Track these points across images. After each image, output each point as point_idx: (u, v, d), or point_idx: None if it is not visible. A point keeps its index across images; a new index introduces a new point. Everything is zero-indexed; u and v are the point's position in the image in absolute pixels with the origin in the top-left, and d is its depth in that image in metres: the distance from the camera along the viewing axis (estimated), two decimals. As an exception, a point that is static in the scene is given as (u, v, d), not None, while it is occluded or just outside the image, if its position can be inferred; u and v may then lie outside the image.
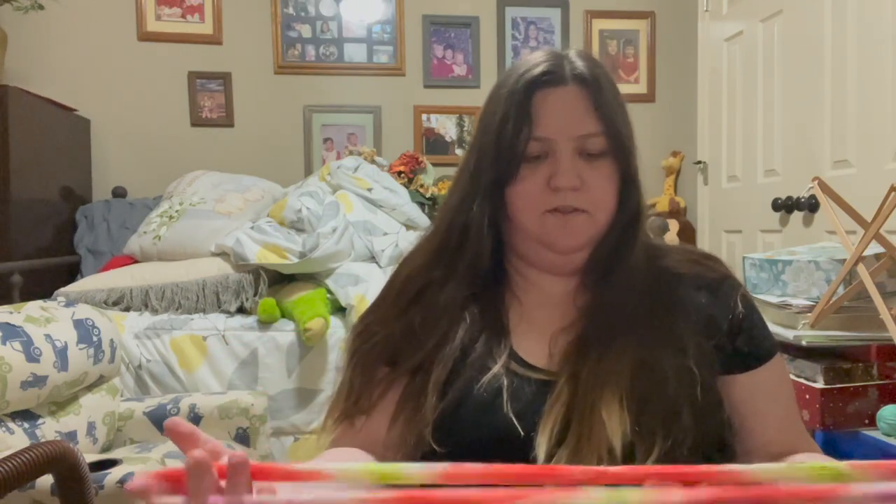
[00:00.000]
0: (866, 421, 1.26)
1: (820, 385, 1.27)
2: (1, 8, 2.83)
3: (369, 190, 2.79)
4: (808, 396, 1.29)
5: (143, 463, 1.37)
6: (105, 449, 1.81)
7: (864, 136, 2.05)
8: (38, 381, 1.57)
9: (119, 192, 3.17)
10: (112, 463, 1.37)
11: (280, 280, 2.53)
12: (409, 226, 2.82)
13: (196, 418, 1.86)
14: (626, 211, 0.79)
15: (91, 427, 1.76)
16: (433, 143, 3.47)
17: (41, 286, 2.48)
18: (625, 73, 3.56)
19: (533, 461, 0.67)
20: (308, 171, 3.35)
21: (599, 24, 3.57)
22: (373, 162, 3.05)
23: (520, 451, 0.68)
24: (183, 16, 3.28)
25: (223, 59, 3.31)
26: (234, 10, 3.31)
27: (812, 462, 0.43)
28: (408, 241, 2.61)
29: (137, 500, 0.45)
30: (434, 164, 3.25)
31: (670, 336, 0.75)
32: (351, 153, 3.17)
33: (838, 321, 1.32)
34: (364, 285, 2.38)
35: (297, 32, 3.37)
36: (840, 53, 2.14)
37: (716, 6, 2.99)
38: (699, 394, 0.71)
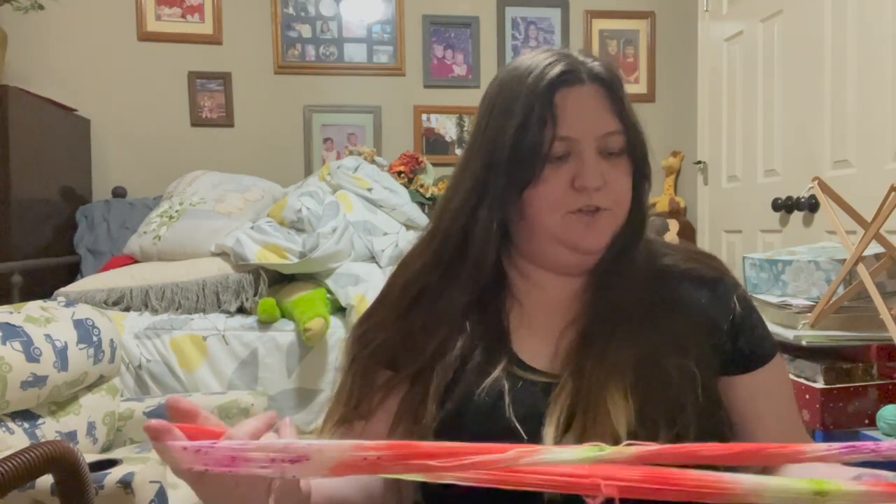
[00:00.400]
0: (866, 421, 1.26)
1: (820, 385, 1.27)
2: (1, 8, 2.83)
3: (369, 190, 2.79)
4: (808, 396, 1.29)
5: (143, 463, 1.37)
6: (105, 449, 1.81)
7: (864, 136, 2.05)
8: (38, 381, 1.57)
9: (119, 192, 3.17)
10: (112, 463, 1.37)
11: (280, 280, 2.53)
12: (409, 226, 2.82)
13: (196, 418, 1.86)
14: (640, 210, 0.79)
15: (91, 427, 1.76)
16: (433, 143, 3.47)
17: (41, 286, 2.48)
18: (625, 73, 3.55)
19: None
20: (308, 171, 3.35)
21: (599, 24, 3.57)
22: (373, 162, 3.05)
23: None
24: (183, 16, 3.28)
25: (223, 59, 3.31)
26: (234, 10, 3.31)
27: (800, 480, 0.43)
28: (408, 241, 2.61)
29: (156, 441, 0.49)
30: (434, 164, 3.25)
31: (672, 335, 0.74)
32: (351, 153, 3.17)
33: (838, 321, 1.32)
34: (364, 285, 2.38)
35: (297, 32, 3.37)
36: (840, 53, 2.14)
37: (716, 6, 2.99)
38: (700, 394, 0.71)
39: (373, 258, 2.63)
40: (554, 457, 0.42)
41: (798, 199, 2.31)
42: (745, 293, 0.82)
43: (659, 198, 3.40)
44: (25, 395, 1.55)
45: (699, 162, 3.11)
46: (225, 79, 3.31)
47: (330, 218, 2.50)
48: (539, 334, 0.79)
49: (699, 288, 0.80)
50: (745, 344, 0.79)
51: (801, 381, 1.31)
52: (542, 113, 0.74)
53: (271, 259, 2.37)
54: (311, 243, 2.37)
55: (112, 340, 1.85)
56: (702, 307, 0.78)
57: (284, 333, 2.30)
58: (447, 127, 3.48)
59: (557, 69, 0.75)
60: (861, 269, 1.26)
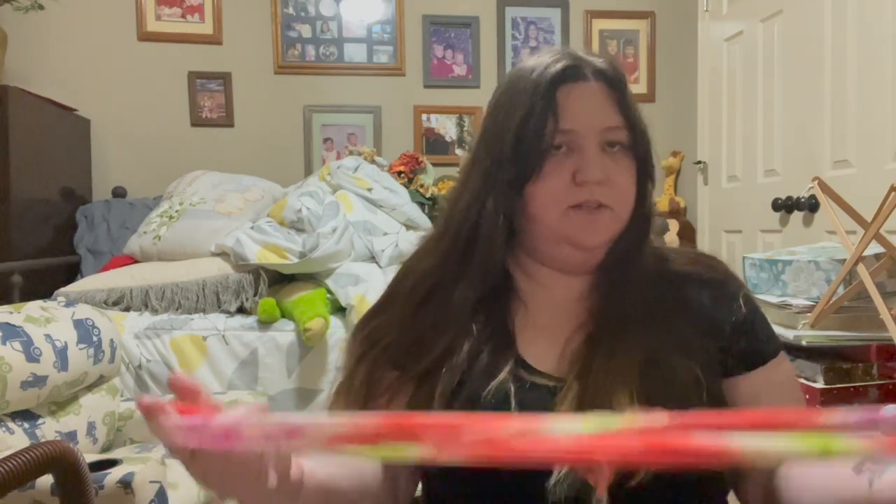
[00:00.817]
0: (866, 421, 1.26)
1: (820, 385, 1.27)
2: (1, 8, 2.83)
3: (369, 190, 2.79)
4: (808, 396, 1.29)
5: (143, 463, 1.37)
6: (105, 449, 1.81)
7: (864, 136, 2.05)
8: (38, 381, 1.57)
9: (119, 192, 3.17)
10: (112, 463, 1.37)
11: (280, 280, 2.53)
12: (409, 226, 2.82)
13: (196, 418, 1.86)
14: (644, 208, 0.79)
15: (91, 427, 1.76)
16: (433, 143, 3.47)
17: (41, 286, 2.48)
18: (625, 73, 3.55)
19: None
20: (308, 171, 3.35)
21: (599, 24, 3.57)
22: (373, 162, 3.05)
23: None
24: (183, 16, 3.28)
25: (223, 59, 3.31)
26: (234, 10, 3.31)
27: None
28: (408, 241, 2.61)
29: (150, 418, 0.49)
30: (434, 164, 3.25)
31: (677, 337, 0.74)
32: (351, 153, 3.17)
33: (838, 321, 1.32)
34: (364, 285, 2.38)
35: (297, 32, 3.37)
36: (840, 53, 2.14)
37: (716, 6, 2.99)
38: (704, 398, 0.71)
39: (373, 258, 2.63)
40: (558, 427, 0.41)
41: (798, 199, 2.31)
42: (750, 294, 0.83)
43: (659, 198, 3.40)
44: (25, 395, 1.55)
45: (699, 162, 3.11)
46: (225, 79, 3.31)
47: (330, 218, 2.49)
48: (545, 336, 0.78)
49: (703, 290, 0.80)
50: (748, 344, 0.79)
51: (802, 381, 1.31)
52: (544, 107, 0.74)
53: (271, 259, 2.37)
54: (311, 243, 2.37)
55: (112, 340, 1.85)
56: (706, 310, 0.78)
57: (284, 333, 2.30)
58: (447, 127, 3.48)
59: (560, 65, 0.76)
60: (861, 269, 1.26)
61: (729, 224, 2.88)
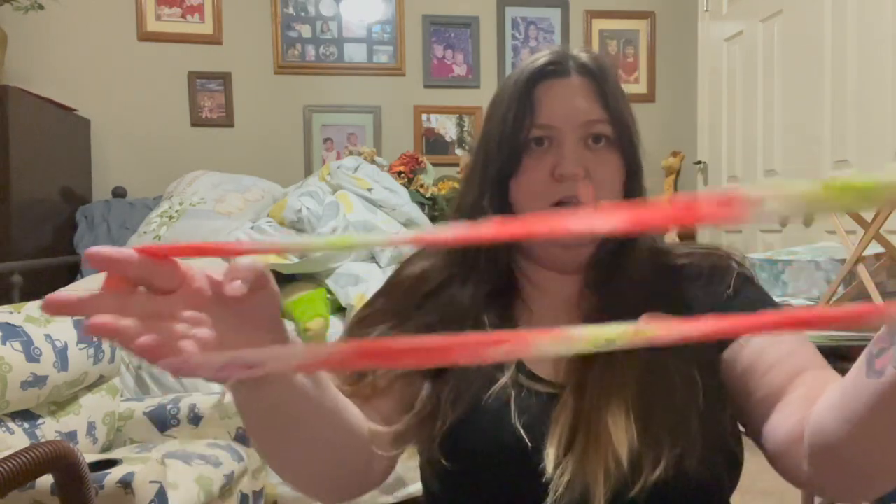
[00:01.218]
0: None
1: (820, 385, 1.27)
2: (1, 8, 2.83)
3: (369, 190, 2.79)
4: (808, 396, 1.29)
5: (143, 463, 1.37)
6: (105, 449, 1.81)
7: (864, 136, 2.05)
8: (38, 381, 1.57)
9: (119, 192, 3.17)
10: (112, 463, 1.37)
11: (280, 280, 2.53)
12: (409, 226, 2.82)
13: (196, 418, 1.86)
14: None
15: (91, 427, 1.76)
16: (433, 143, 3.47)
17: (41, 286, 2.48)
18: (625, 73, 3.56)
19: (541, 473, 0.66)
20: (308, 171, 3.35)
21: (599, 24, 3.57)
22: (373, 162, 3.05)
23: (529, 463, 0.67)
24: (183, 16, 3.28)
25: (223, 59, 3.31)
26: (234, 10, 3.31)
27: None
28: (408, 241, 2.61)
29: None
30: (434, 164, 3.25)
31: (676, 343, 0.72)
32: (351, 153, 3.17)
33: (838, 321, 1.32)
34: (364, 285, 2.38)
35: (297, 32, 3.37)
36: (840, 53, 2.14)
37: (716, 6, 2.99)
38: (701, 401, 0.69)
39: (373, 258, 2.63)
40: (546, 348, 0.38)
41: (798, 199, 2.31)
42: (746, 272, 0.79)
43: (659, 198, 3.40)
44: (25, 395, 1.55)
45: (699, 162, 3.11)
46: (225, 79, 3.31)
47: (330, 218, 2.50)
48: None
49: (699, 283, 0.79)
50: (739, 306, 0.75)
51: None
52: (522, 102, 0.74)
53: (271, 259, 2.37)
54: (311, 243, 2.37)
55: (112, 340, 1.84)
56: (701, 302, 0.77)
57: (284, 333, 2.30)
58: (447, 127, 3.48)
59: (541, 61, 0.75)
60: (861, 269, 1.26)
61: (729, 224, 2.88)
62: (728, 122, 2.88)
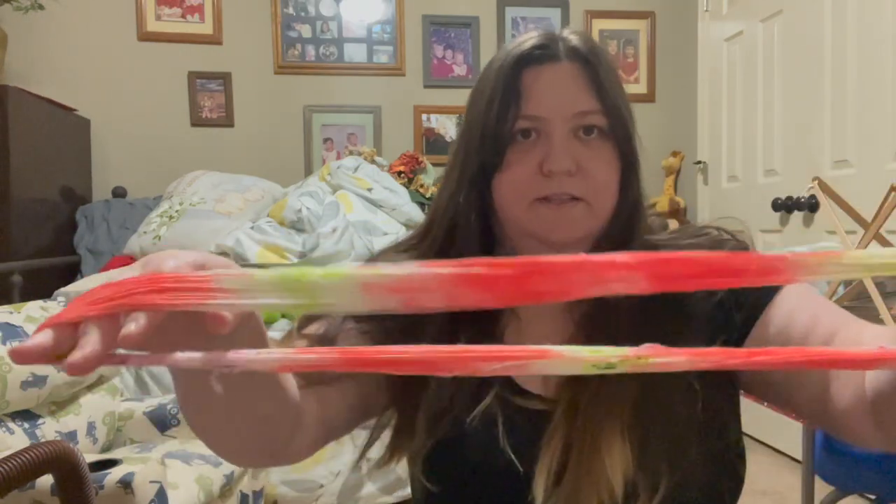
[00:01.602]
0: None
1: (820, 385, 1.26)
2: (1, 8, 2.83)
3: (369, 190, 2.79)
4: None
5: (143, 463, 1.37)
6: (105, 449, 1.81)
7: (864, 136, 2.05)
8: (38, 381, 1.57)
9: (119, 192, 3.17)
10: (112, 463, 1.37)
11: (280, 280, 2.53)
12: (409, 226, 2.82)
13: (196, 418, 1.86)
14: (627, 201, 0.70)
15: (91, 427, 1.76)
16: (433, 143, 3.47)
17: (41, 286, 2.48)
18: (625, 73, 3.56)
19: (531, 502, 0.62)
20: (308, 171, 3.35)
21: (599, 24, 3.57)
22: (373, 162, 3.05)
23: (519, 488, 0.63)
24: (183, 16, 3.28)
25: (223, 59, 3.31)
26: (234, 10, 3.31)
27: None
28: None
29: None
30: (434, 164, 3.25)
31: (674, 347, 0.66)
32: (351, 153, 3.18)
33: (838, 321, 1.32)
34: (364, 285, 2.38)
35: (297, 32, 3.37)
36: (840, 53, 2.14)
37: (716, 6, 2.99)
38: (700, 413, 0.64)
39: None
40: (543, 368, 0.35)
41: (798, 199, 2.31)
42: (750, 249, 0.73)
43: (659, 198, 3.40)
44: (25, 395, 1.55)
45: (699, 162, 3.11)
46: (225, 79, 3.31)
47: (330, 218, 2.50)
48: None
49: None
50: (748, 294, 0.68)
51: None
52: (506, 91, 0.67)
53: (271, 259, 2.37)
54: (311, 243, 2.37)
55: (112, 340, 1.84)
56: (701, 301, 0.70)
57: (284, 333, 2.30)
58: (447, 127, 3.48)
59: (529, 45, 0.69)
60: (861, 269, 1.26)
61: (729, 224, 2.88)
62: (728, 122, 2.88)
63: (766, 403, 0.75)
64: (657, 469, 0.61)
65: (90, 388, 1.81)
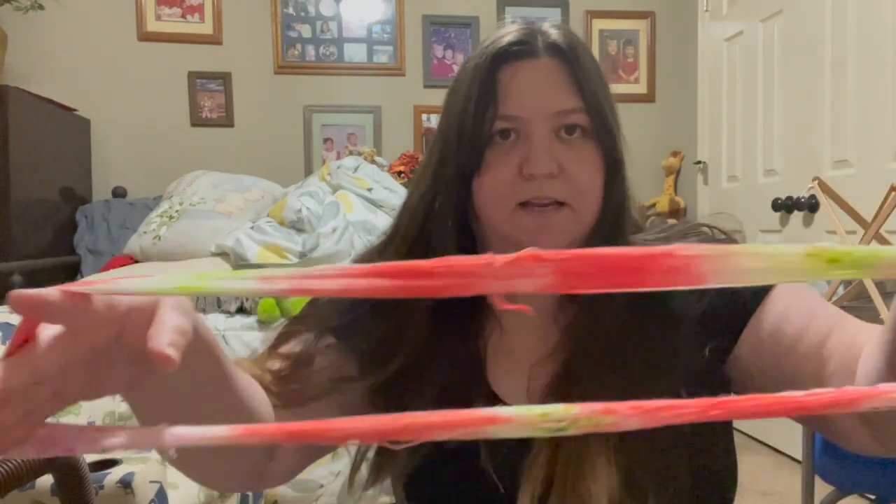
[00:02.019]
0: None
1: (820, 385, 1.27)
2: (1, 8, 2.83)
3: (369, 190, 2.80)
4: (808, 396, 1.28)
5: (143, 463, 1.37)
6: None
7: (864, 136, 2.05)
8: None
9: (119, 192, 3.17)
10: (112, 463, 1.37)
11: (280, 280, 2.53)
12: (409, 226, 2.82)
13: (196, 418, 1.87)
14: (612, 203, 0.67)
15: (91, 427, 1.76)
16: (433, 143, 3.47)
17: (41, 286, 2.46)
18: (625, 73, 3.56)
19: None
20: (308, 171, 3.35)
21: (599, 24, 3.57)
22: (373, 162, 3.05)
23: None
24: (183, 16, 3.28)
25: (223, 59, 3.31)
26: (234, 10, 3.31)
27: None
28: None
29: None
30: (434, 164, 3.25)
31: (663, 359, 0.64)
32: (351, 153, 3.18)
33: (838, 321, 1.32)
34: (364, 285, 2.38)
35: (297, 32, 3.37)
36: (840, 53, 2.14)
37: (716, 6, 2.99)
38: (688, 427, 0.64)
39: (373, 258, 2.63)
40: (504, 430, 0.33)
41: (798, 199, 2.31)
42: None
43: (659, 198, 3.40)
44: (25, 395, 1.55)
45: (699, 162, 3.11)
46: (225, 79, 3.31)
47: (330, 218, 2.50)
48: (517, 363, 0.68)
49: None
50: (737, 297, 0.66)
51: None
52: (483, 90, 0.64)
53: (271, 259, 2.37)
54: (311, 243, 2.37)
55: (112, 340, 1.84)
56: (689, 305, 0.67)
57: (284, 333, 2.30)
58: (447, 127, 3.48)
59: (506, 40, 0.66)
60: (861, 269, 1.26)
61: (729, 224, 2.88)
62: (728, 122, 2.88)
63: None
64: (644, 489, 0.59)
65: (90, 388, 1.81)
